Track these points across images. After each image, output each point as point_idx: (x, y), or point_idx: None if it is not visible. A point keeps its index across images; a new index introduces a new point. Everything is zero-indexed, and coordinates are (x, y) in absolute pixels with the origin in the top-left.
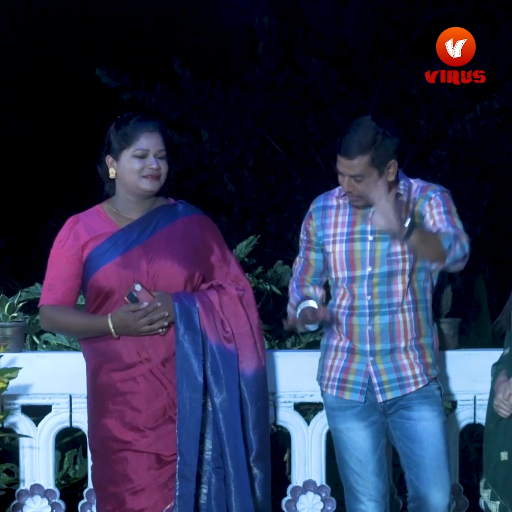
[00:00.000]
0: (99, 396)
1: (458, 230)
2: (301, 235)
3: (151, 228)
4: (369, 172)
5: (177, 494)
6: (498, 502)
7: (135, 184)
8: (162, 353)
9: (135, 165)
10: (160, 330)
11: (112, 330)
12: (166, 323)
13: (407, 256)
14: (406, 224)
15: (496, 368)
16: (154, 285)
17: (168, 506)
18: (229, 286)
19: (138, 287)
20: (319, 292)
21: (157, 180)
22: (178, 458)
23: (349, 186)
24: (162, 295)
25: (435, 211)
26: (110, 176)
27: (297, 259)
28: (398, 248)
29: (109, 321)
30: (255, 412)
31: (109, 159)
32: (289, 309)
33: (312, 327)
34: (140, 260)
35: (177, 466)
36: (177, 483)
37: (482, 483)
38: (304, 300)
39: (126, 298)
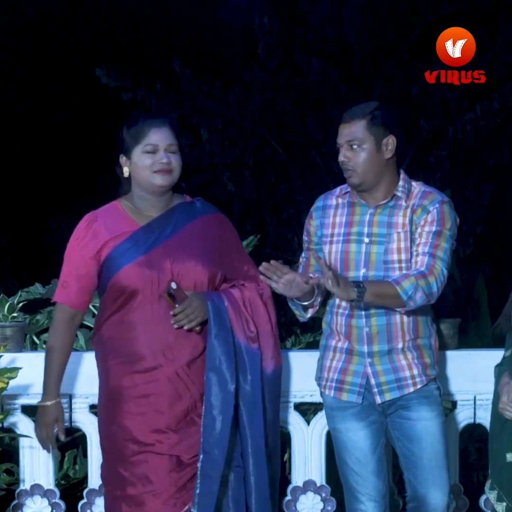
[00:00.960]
0: (120, 398)
1: (435, 261)
2: (304, 236)
3: (171, 226)
4: (365, 138)
5: (197, 492)
6: (504, 504)
7: (148, 180)
8: (187, 354)
9: (146, 161)
10: (197, 328)
11: (39, 405)
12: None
13: (404, 264)
14: (353, 295)
15: (499, 370)
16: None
17: (186, 507)
18: (251, 284)
19: (174, 285)
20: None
21: (169, 174)
22: (201, 456)
23: (345, 156)
24: (196, 294)
25: (427, 229)
26: (124, 175)
27: (300, 260)
28: (395, 256)
29: (47, 403)
30: (272, 411)
31: (122, 159)
32: None
33: (299, 304)
34: (163, 259)
35: (199, 464)
36: (198, 481)
37: (488, 484)
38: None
39: (165, 295)
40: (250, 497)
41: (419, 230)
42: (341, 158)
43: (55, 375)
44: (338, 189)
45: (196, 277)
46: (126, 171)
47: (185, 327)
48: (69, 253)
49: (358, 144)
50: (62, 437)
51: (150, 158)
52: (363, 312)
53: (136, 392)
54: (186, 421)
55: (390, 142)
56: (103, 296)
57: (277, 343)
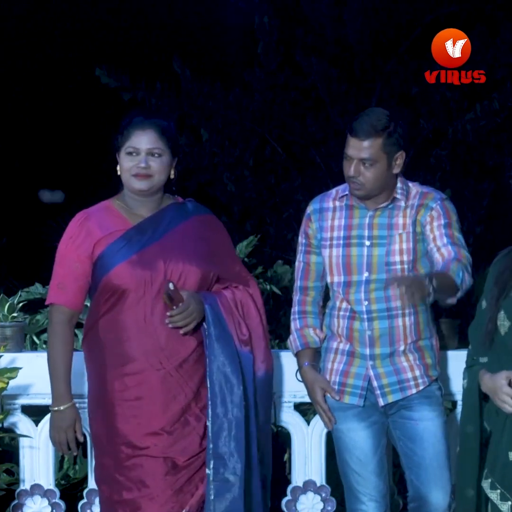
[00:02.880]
0: (112, 401)
1: (458, 248)
2: (300, 239)
3: (163, 226)
4: (379, 157)
5: (211, 498)
6: (509, 503)
7: (128, 182)
8: (179, 354)
9: (127, 163)
10: (190, 330)
11: (52, 410)
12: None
13: (406, 266)
14: (429, 288)
15: (470, 371)
16: None
17: (183, 511)
18: (241, 286)
19: (171, 285)
20: (320, 335)
21: (148, 179)
22: (212, 461)
23: (356, 171)
24: (192, 294)
25: (436, 224)
26: (117, 173)
27: (297, 263)
28: (397, 257)
29: (61, 407)
30: (263, 413)
31: (117, 156)
32: (291, 346)
33: None
34: (157, 259)
35: (211, 470)
36: (211, 486)
37: (487, 484)
38: (305, 348)
39: (165, 296)
40: (246, 499)
41: (428, 227)
42: (351, 172)
43: (63, 379)
44: (333, 191)
45: (189, 277)
46: (118, 169)
47: (182, 331)
48: (64, 253)
49: (371, 163)
50: (81, 438)
51: (131, 161)
52: (365, 315)
53: (128, 395)
54: (180, 422)
55: (400, 157)
56: (95, 296)
57: (268, 346)
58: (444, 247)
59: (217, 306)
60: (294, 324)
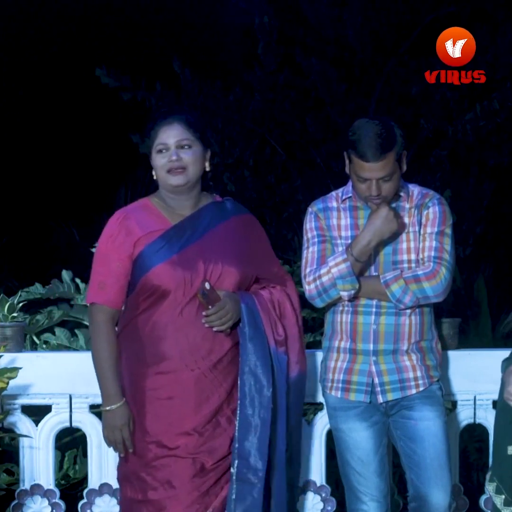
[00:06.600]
0: (143, 399)
1: (437, 270)
2: (312, 233)
3: (203, 226)
4: (395, 168)
5: (233, 497)
6: (503, 496)
7: (164, 180)
8: (214, 355)
9: (160, 161)
10: (227, 330)
11: (103, 410)
12: (231, 323)
13: (413, 265)
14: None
15: (507, 363)
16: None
17: None
18: (278, 286)
19: (207, 285)
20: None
21: (182, 173)
22: (237, 461)
23: (378, 189)
24: (229, 295)
25: (429, 230)
26: (153, 177)
27: (310, 254)
28: (404, 256)
29: (113, 406)
30: (295, 416)
31: (151, 161)
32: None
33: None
34: (196, 259)
35: (234, 470)
36: (233, 486)
37: (488, 476)
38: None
39: (199, 295)
40: (269, 500)
41: (422, 230)
42: (374, 192)
43: (112, 378)
44: (333, 194)
45: (228, 278)
46: (153, 174)
47: (215, 329)
48: (104, 252)
49: (389, 178)
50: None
51: (163, 158)
52: (372, 309)
53: (160, 393)
54: (212, 424)
55: (404, 156)
56: (133, 294)
57: (303, 347)
58: (428, 261)
59: (254, 306)
60: (325, 266)
